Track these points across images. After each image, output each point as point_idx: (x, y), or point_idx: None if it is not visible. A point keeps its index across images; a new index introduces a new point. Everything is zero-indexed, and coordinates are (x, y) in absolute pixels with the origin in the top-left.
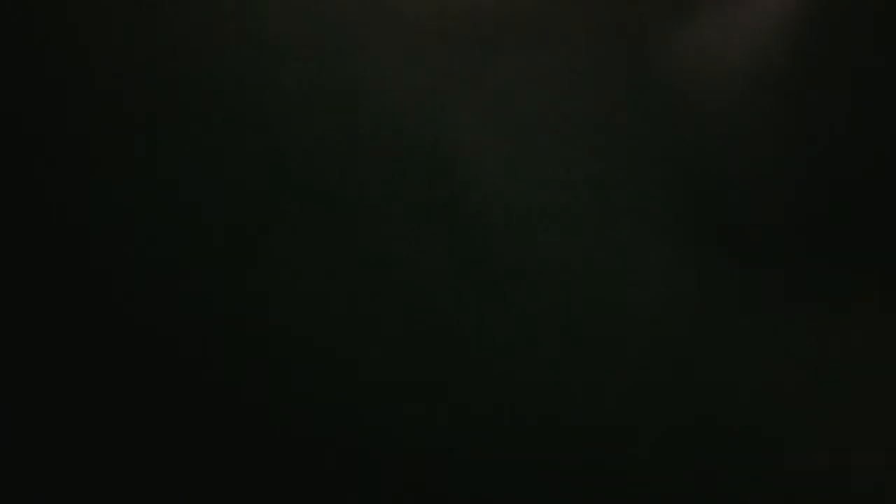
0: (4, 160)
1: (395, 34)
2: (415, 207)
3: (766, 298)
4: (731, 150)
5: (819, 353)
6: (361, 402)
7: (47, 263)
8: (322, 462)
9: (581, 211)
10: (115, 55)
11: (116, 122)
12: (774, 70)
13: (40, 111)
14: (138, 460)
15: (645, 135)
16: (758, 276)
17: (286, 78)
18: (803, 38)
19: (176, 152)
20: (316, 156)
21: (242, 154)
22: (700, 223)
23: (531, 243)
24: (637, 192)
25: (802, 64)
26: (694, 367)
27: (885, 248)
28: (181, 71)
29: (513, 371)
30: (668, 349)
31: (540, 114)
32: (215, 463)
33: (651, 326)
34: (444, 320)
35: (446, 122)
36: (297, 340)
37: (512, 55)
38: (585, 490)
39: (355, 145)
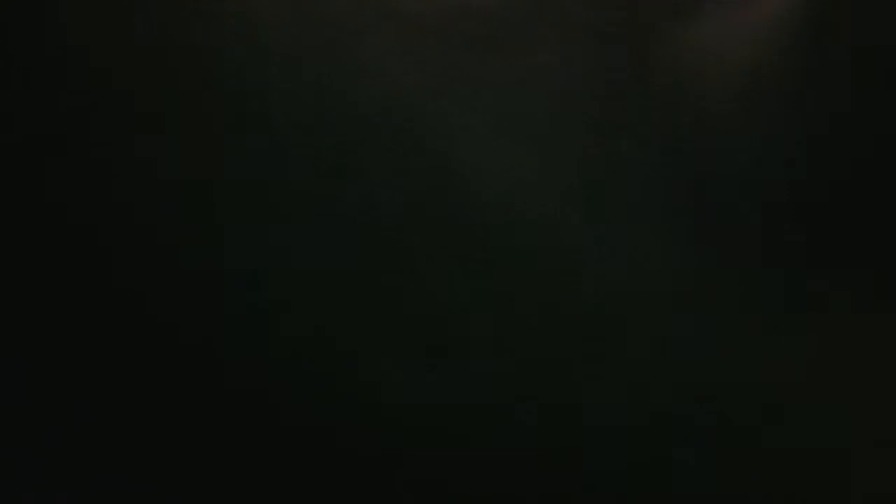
0: (7, 158)
1: (396, 34)
2: (414, 206)
3: (765, 298)
4: (731, 150)
5: (819, 353)
6: (360, 397)
7: (49, 262)
8: (325, 455)
9: (581, 210)
10: (115, 53)
11: (117, 120)
12: (774, 70)
13: (40, 110)
14: (140, 458)
15: (644, 134)
16: (758, 276)
17: (286, 78)
18: (803, 38)
19: (175, 153)
20: (316, 155)
21: (242, 153)
22: (700, 222)
23: (531, 242)
24: (637, 191)
25: (802, 64)
26: (693, 366)
27: (884, 249)
28: (181, 72)
29: (512, 369)
30: (668, 348)
31: (539, 113)
32: (220, 460)
33: (651, 325)
34: (443, 318)
35: (446, 122)
36: (297, 336)
37: (512, 55)
38: (582, 487)
39: (355, 144)
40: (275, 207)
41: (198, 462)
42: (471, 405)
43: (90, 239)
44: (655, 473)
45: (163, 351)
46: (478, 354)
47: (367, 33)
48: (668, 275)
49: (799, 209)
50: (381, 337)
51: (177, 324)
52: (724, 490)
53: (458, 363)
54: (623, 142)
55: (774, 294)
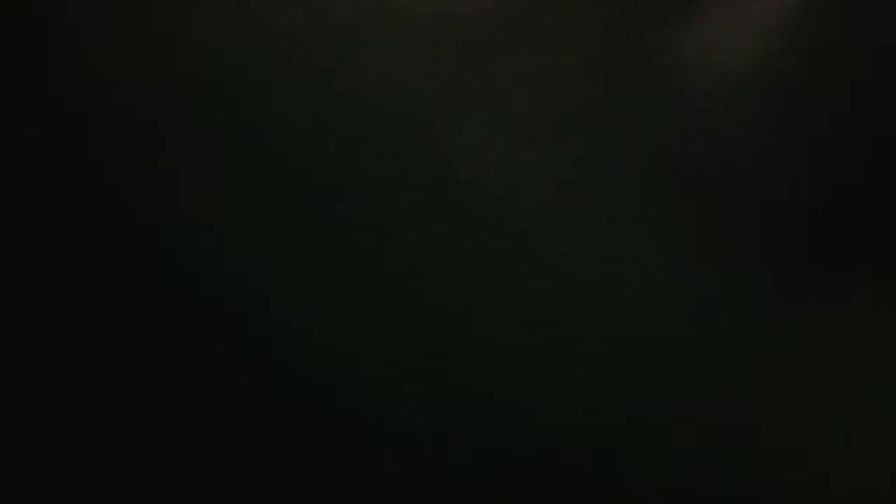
0: (8, 161)
1: (396, 35)
2: (415, 207)
3: (764, 299)
4: (731, 150)
5: (818, 353)
6: (362, 398)
7: (48, 264)
8: (323, 458)
9: (581, 211)
10: (117, 55)
11: (118, 122)
12: (774, 70)
13: (41, 111)
14: (139, 458)
15: (645, 135)
16: (756, 276)
17: (287, 79)
18: (803, 38)
19: (177, 153)
20: (317, 155)
21: (244, 154)
22: (700, 223)
23: (531, 243)
24: (637, 191)
25: (802, 64)
26: (693, 366)
27: (883, 248)
28: (183, 73)
29: (512, 369)
30: (668, 348)
31: (540, 114)
32: (220, 460)
33: (650, 326)
34: (443, 319)
35: (446, 122)
36: (297, 337)
37: (512, 55)
38: (582, 487)
39: (356, 145)
40: (275, 208)
41: (198, 462)
42: (470, 405)
43: (90, 239)
44: (655, 473)
45: (164, 352)
46: (477, 354)
47: (367, 33)
48: (668, 274)
49: (799, 209)
50: (381, 337)
51: (176, 324)
52: (724, 490)
53: (458, 362)
54: (623, 141)
55: (774, 294)
